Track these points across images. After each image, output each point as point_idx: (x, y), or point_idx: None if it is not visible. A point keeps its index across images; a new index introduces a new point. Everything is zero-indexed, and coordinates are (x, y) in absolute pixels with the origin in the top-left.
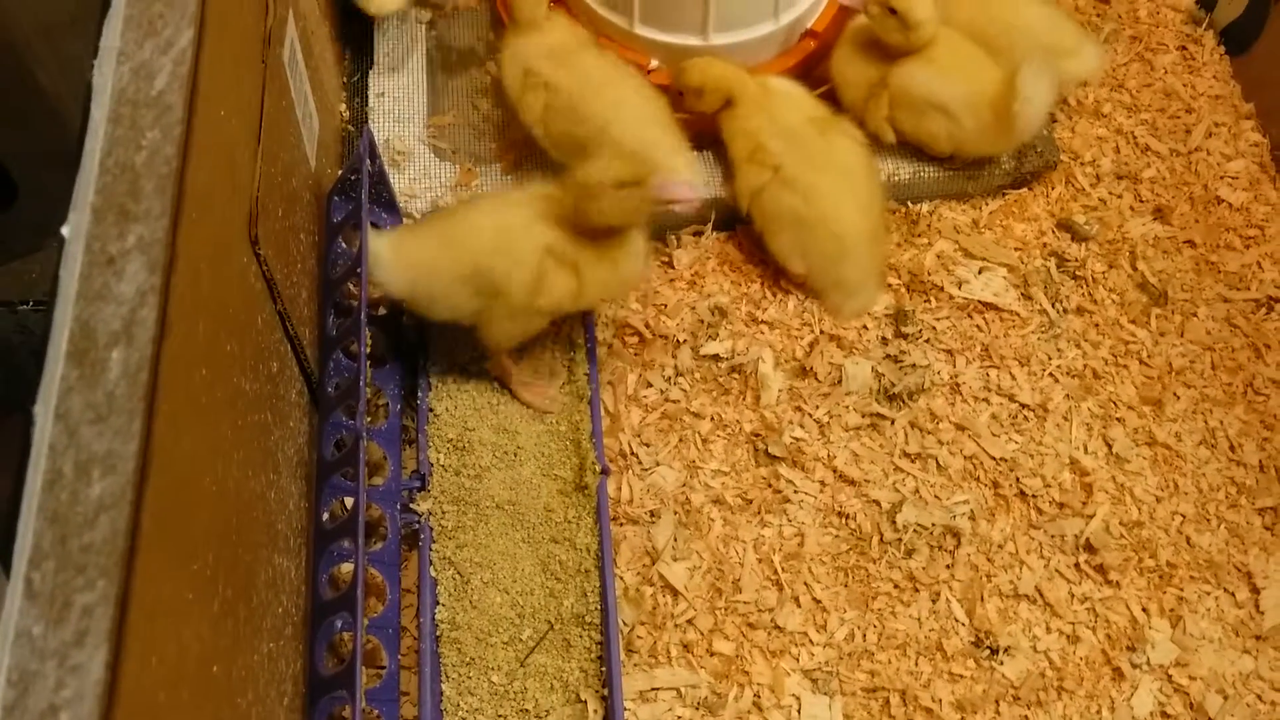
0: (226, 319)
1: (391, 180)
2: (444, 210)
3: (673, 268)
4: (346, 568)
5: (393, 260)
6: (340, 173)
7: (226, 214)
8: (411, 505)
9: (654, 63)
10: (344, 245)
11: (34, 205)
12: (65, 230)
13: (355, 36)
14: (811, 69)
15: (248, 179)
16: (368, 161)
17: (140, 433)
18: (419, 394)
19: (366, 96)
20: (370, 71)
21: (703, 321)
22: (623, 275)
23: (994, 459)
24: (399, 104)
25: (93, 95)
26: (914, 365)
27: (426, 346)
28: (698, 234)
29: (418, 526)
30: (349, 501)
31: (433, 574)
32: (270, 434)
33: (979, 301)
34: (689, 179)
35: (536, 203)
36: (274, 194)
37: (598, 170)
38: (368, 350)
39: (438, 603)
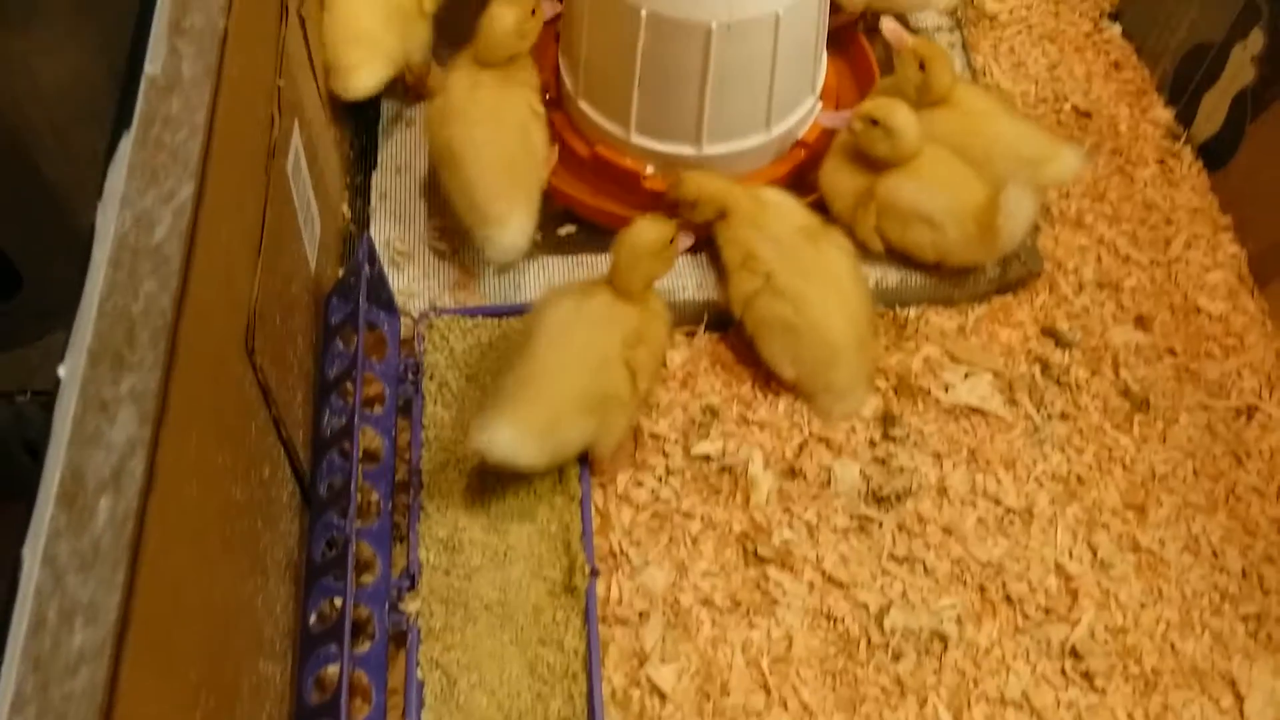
0: (219, 431)
1: (391, 280)
2: (522, 358)
3: (665, 367)
4: (333, 670)
5: (522, 440)
6: (340, 275)
7: (223, 328)
8: (400, 605)
9: (649, 169)
10: (341, 346)
11: (37, 294)
12: (61, 371)
13: (360, 138)
14: (802, 177)
15: (246, 292)
16: (367, 267)
17: (124, 584)
18: (411, 491)
19: (369, 197)
20: (374, 172)
21: (694, 421)
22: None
23: (980, 563)
24: (401, 205)
25: (95, 238)
26: (901, 468)
27: (421, 442)
28: (690, 334)
29: (406, 627)
30: (338, 602)
31: (420, 676)
32: (260, 539)
33: (965, 406)
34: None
35: (592, 296)
36: (272, 302)
37: (643, 232)
38: (360, 454)
39: (424, 705)
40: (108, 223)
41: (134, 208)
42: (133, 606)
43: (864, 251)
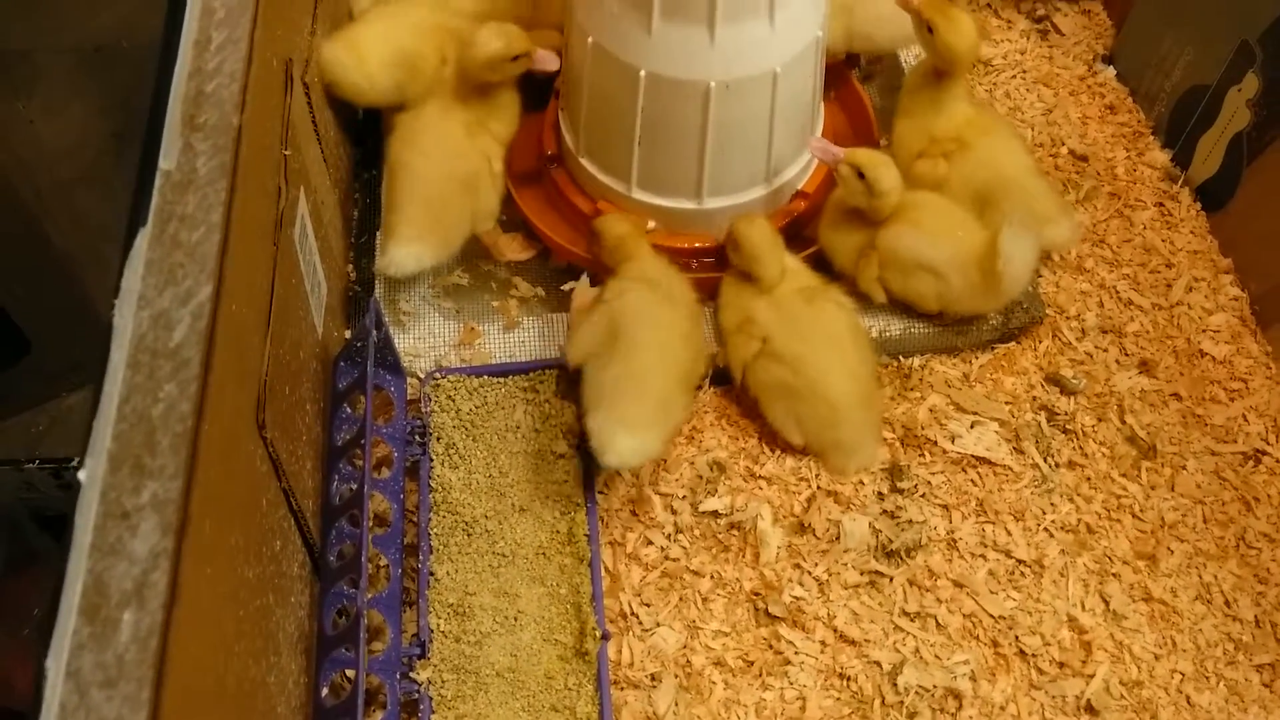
0: (233, 513)
1: (397, 340)
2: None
3: None
4: None
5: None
6: (347, 340)
7: (235, 406)
8: (411, 674)
9: (651, 224)
10: (349, 410)
11: (44, 358)
12: (82, 475)
13: (364, 197)
14: (802, 229)
15: (256, 365)
16: (374, 332)
17: (149, 701)
18: (420, 556)
19: (374, 257)
20: (378, 232)
21: (701, 477)
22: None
23: (993, 617)
24: None
25: (113, 335)
26: (910, 521)
27: (429, 504)
28: (696, 389)
29: (417, 696)
30: (349, 672)
31: None
32: (272, 615)
33: (972, 456)
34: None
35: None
36: (282, 373)
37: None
38: (370, 522)
39: None
40: (125, 322)
41: (152, 307)
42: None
43: (866, 303)
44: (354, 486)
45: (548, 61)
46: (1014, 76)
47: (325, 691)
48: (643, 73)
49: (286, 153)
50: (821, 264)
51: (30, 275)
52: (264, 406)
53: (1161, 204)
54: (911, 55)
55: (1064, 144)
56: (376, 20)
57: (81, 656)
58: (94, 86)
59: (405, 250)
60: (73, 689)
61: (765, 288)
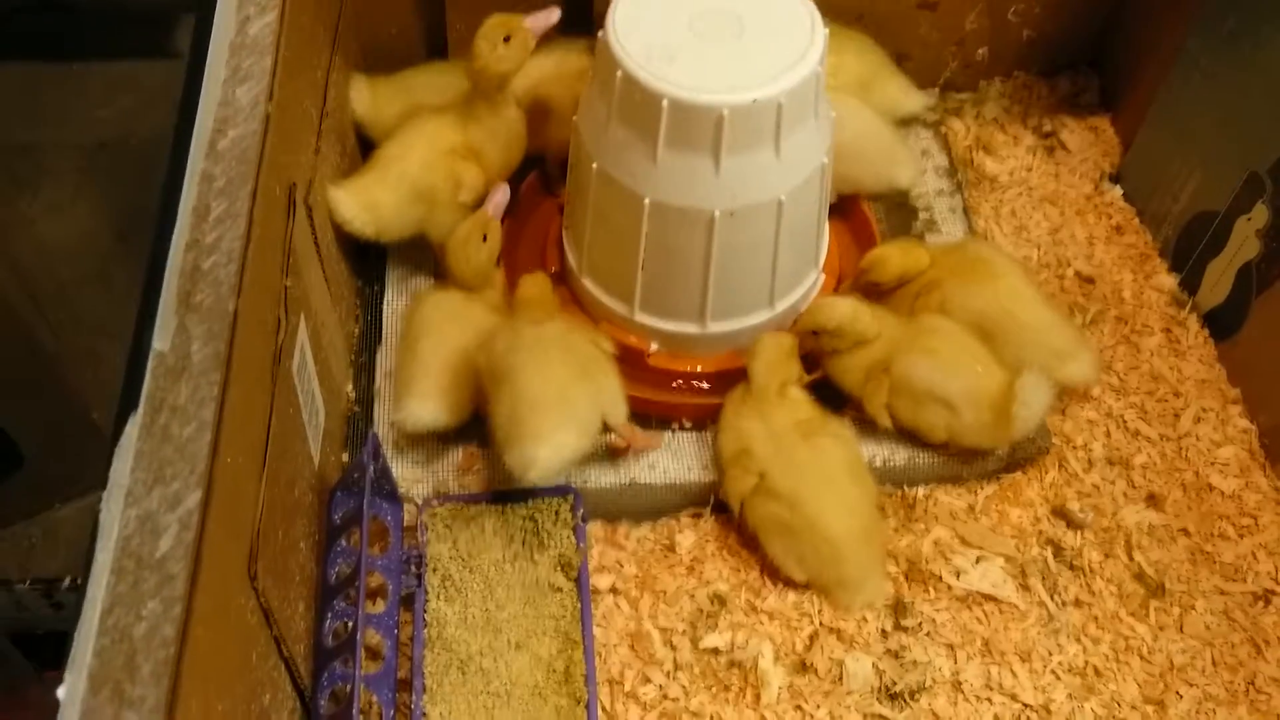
0: (220, 682)
1: (395, 465)
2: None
3: (674, 552)
4: None
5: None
6: (345, 466)
7: (226, 561)
8: None
9: (654, 346)
10: (344, 544)
11: (37, 471)
12: (60, 693)
13: (364, 314)
14: (805, 353)
15: (250, 515)
16: (371, 465)
17: None
18: (413, 695)
19: (374, 374)
20: (378, 349)
21: (702, 610)
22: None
23: None
24: None
25: (99, 532)
26: (915, 661)
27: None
28: (697, 515)
29: None
30: None
31: None
32: None
33: (978, 593)
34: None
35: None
36: (276, 516)
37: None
38: (363, 661)
39: None
40: (112, 520)
41: (139, 507)
42: None
43: (871, 428)
44: (347, 624)
45: (497, 196)
46: (1020, 194)
47: None
48: (647, 200)
49: (288, 283)
50: (828, 388)
51: (25, 385)
52: (256, 557)
53: (1169, 329)
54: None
55: (1070, 265)
56: (385, 165)
57: None
58: (98, 184)
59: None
60: None
61: (756, 395)
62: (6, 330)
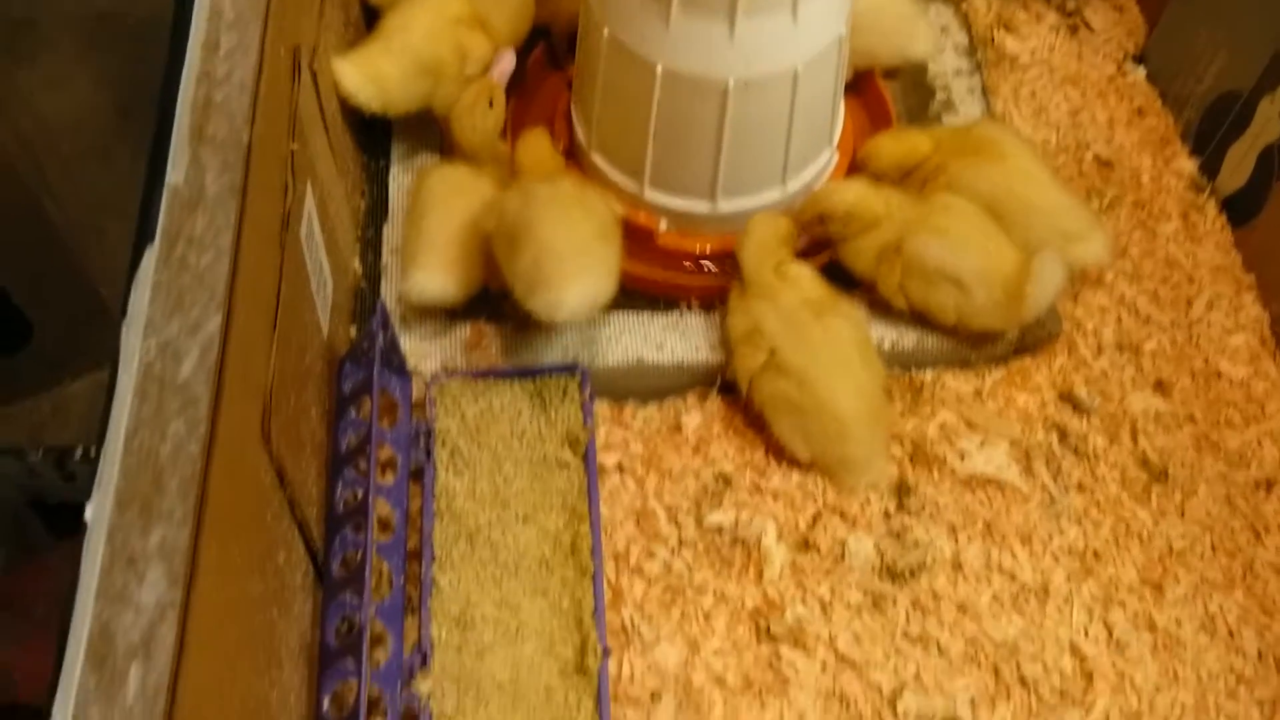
0: (237, 530)
1: (403, 340)
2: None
3: (680, 432)
4: None
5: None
6: (354, 339)
7: (240, 420)
8: (412, 684)
9: (663, 225)
10: (354, 414)
11: (47, 343)
12: (88, 514)
13: (371, 188)
14: (813, 240)
15: (262, 377)
16: (380, 334)
17: None
18: (423, 564)
19: (381, 251)
20: (385, 225)
21: (707, 489)
22: None
23: (995, 642)
24: None
25: (120, 360)
26: (916, 542)
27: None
28: (703, 396)
29: (418, 709)
30: (352, 683)
31: None
32: (275, 629)
33: (982, 476)
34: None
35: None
36: (287, 381)
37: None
38: (375, 530)
39: None
40: (132, 348)
41: (159, 334)
42: None
43: (884, 310)
44: (358, 492)
45: (503, 62)
46: (1040, 75)
47: (327, 704)
48: (659, 68)
49: (294, 147)
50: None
51: (32, 256)
52: (269, 418)
53: (1186, 215)
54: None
55: (1089, 148)
56: (389, 36)
57: (89, 710)
58: (97, 57)
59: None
60: None
61: (745, 281)
62: (14, 201)
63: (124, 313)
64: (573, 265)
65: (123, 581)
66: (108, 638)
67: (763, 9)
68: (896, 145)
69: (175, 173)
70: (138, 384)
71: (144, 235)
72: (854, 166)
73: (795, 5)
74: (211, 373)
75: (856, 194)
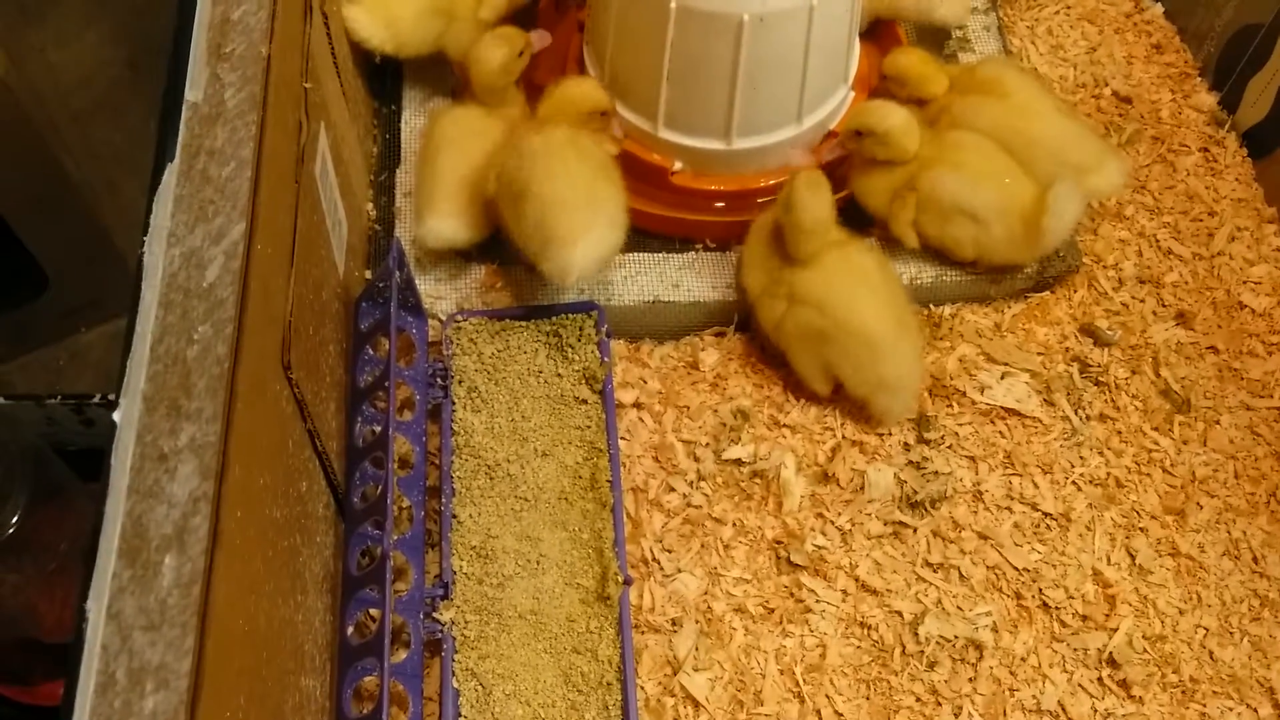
0: (261, 455)
1: (418, 281)
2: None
3: (697, 369)
4: (371, 681)
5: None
6: (369, 280)
7: (261, 347)
8: (434, 614)
9: (677, 165)
10: (371, 352)
11: (62, 293)
12: (116, 416)
13: (384, 133)
14: (833, 170)
15: (281, 306)
16: (396, 273)
17: (194, 649)
18: (442, 499)
19: (394, 195)
20: (398, 169)
21: (725, 425)
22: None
23: (1017, 569)
24: None
25: (143, 274)
26: (936, 472)
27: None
28: (720, 334)
29: (440, 636)
30: (374, 612)
31: (455, 685)
32: (299, 555)
33: (1001, 407)
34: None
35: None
36: (305, 313)
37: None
38: (395, 465)
39: (460, 715)
40: (155, 260)
41: (182, 245)
42: (202, 670)
43: (898, 248)
44: (376, 429)
45: (540, 40)
46: (1057, 12)
47: (351, 630)
48: (674, 4)
49: (307, 85)
50: (852, 209)
51: (47, 209)
52: (289, 347)
53: (1206, 149)
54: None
55: (1107, 85)
56: None
57: (122, 599)
58: (107, 13)
59: (438, 225)
60: (114, 631)
61: (799, 259)
62: (29, 156)
63: (146, 229)
64: (579, 219)
65: (154, 478)
66: (140, 531)
67: None
68: (922, 63)
69: (194, 91)
70: (162, 294)
71: (163, 152)
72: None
73: None
74: (237, 276)
75: (902, 119)
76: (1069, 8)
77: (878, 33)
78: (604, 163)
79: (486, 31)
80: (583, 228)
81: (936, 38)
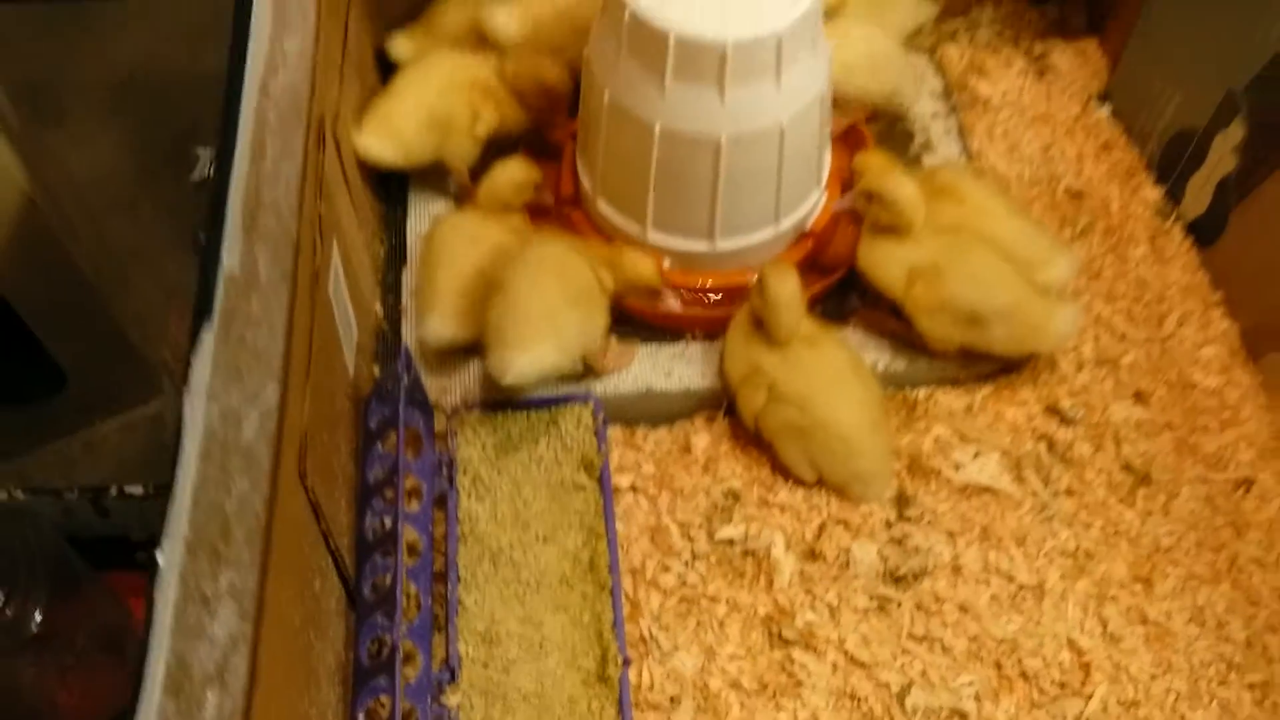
0: (283, 566)
1: (424, 376)
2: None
3: (689, 453)
4: None
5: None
6: (377, 378)
7: (286, 469)
8: (441, 699)
9: (666, 263)
10: (380, 448)
11: (79, 389)
12: (160, 557)
13: (389, 236)
14: (811, 264)
15: (299, 420)
16: (404, 376)
17: None
18: (448, 585)
19: (400, 294)
20: (404, 269)
21: (717, 506)
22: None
23: (996, 639)
24: None
25: (184, 427)
26: (917, 548)
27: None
28: (710, 418)
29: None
30: (384, 699)
31: None
32: (313, 650)
33: (976, 484)
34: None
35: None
36: (320, 422)
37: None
38: (404, 559)
39: None
40: (196, 414)
41: (220, 402)
42: None
43: (876, 334)
44: (386, 520)
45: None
46: (1012, 115)
47: (362, 718)
48: (657, 128)
49: (321, 210)
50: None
51: (65, 308)
52: (305, 457)
53: (1154, 239)
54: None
55: (1060, 181)
56: (405, 90)
57: None
58: (119, 117)
59: (435, 324)
60: None
61: (776, 341)
62: (48, 257)
63: (185, 383)
64: (530, 331)
65: (196, 618)
66: (184, 667)
67: (748, 78)
68: (887, 163)
69: (230, 259)
70: (202, 446)
71: (201, 312)
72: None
73: (779, 72)
74: (272, 438)
75: (913, 192)
76: (1023, 110)
77: (847, 136)
78: (585, 290)
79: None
80: (531, 340)
81: (901, 141)
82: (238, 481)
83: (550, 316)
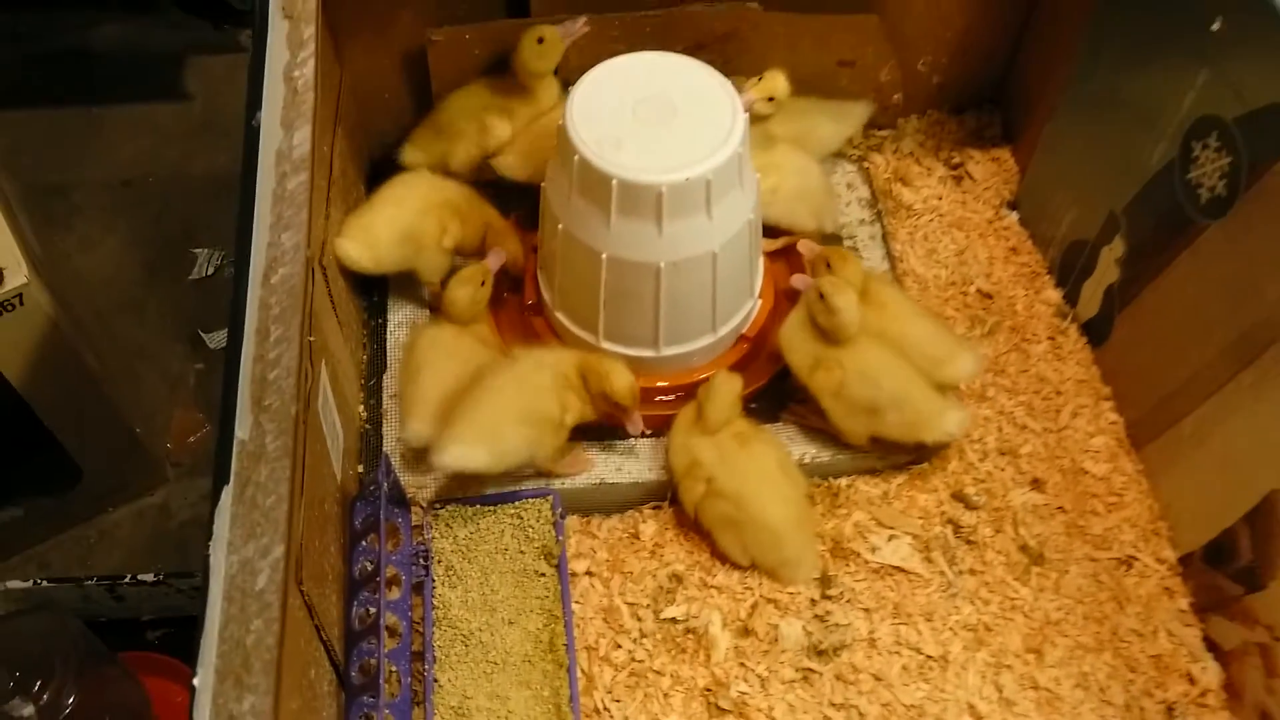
0: (284, 666)
1: (402, 475)
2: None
3: (638, 539)
4: None
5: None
6: (361, 479)
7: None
8: None
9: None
10: (365, 544)
11: (93, 481)
12: (196, 681)
13: (370, 343)
14: (745, 366)
15: (295, 534)
16: (384, 482)
17: None
18: (425, 664)
19: (381, 398)
20: (384, 374)
21: (662, 587)
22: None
23: (905, 706)
24: None
25: (210, 572)
26: (837, 624)
27: (433, 619)
28: (657, 508)
29: None
30: None
31: None
32: None
33: (890, 565)
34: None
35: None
36: (313, 531)
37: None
38: (385, 645)
39: None
40: (219, 562)
41: (239, 554)
42: None
43: (805, 431)
44: (370, 610)
45: (498, 259)
46: (931, 220)
47: None
48: (605, 256)
49: (311, 340)
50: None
51: (77, 406)
52: (300, 565)
53: (1053, 337)
54: (850, 211)
55: (973, 283)
56: (383, 206)
57: None
58: (124, 219)
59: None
60: None
61: (708, 428)
62: (60, 359)
63: (210, 534)
64: (469, 431)
65: None
66: None
67: (683, 213)
68: (854, 272)
69: (242, 429)
70: (225, 590)
71: (221, 475)
72: (776, 308)
73: (709, 207)
74: (281, 587)
75: (853, 304)
76: (941, 216)
77: (787, 251)
78: (540, 415)
79: (453, 269)
80: (470, 439)
81: (829, 243)
82: (254, 622)
83: (495, 427)
